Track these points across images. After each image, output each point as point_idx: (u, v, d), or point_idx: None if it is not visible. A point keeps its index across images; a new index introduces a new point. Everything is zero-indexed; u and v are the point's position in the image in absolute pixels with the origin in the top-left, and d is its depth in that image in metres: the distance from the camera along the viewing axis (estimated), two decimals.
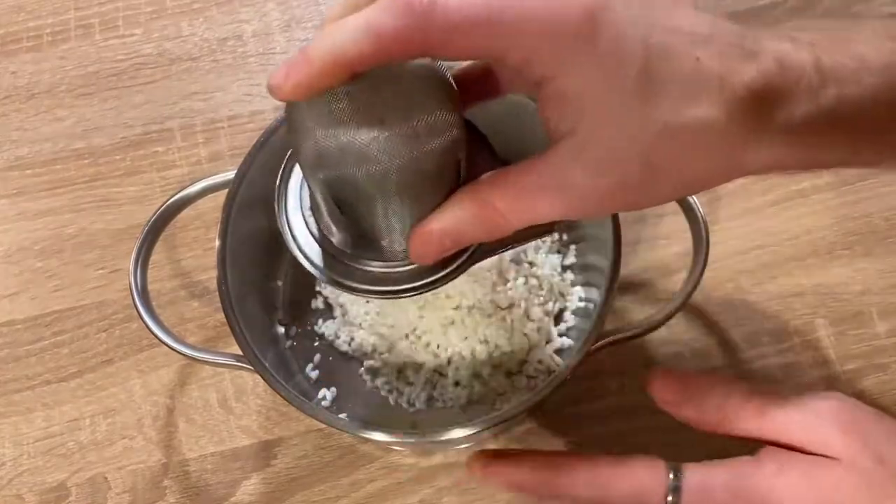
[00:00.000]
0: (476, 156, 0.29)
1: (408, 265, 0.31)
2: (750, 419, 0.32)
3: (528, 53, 0.24)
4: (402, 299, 0.31)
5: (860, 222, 0.49)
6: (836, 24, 0.27)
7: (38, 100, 0.55)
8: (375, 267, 0.31)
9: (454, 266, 0.31)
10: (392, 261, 0.31)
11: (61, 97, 0.55)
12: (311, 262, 0.32)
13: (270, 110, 0.54)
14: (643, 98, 0.24)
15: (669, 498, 0.32)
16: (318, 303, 0.47)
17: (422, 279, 0.31)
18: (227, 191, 0.41)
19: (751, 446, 0.33)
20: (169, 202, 0.42)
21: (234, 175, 0.41)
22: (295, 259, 0.32)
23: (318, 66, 0.23)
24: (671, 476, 0.32)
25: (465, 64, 0.31)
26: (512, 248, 0.31)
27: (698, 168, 0.26)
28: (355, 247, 0.31)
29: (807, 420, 0.31)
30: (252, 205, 0.42)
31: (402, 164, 0.27)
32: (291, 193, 0.33)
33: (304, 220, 0.32)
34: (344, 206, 0.29)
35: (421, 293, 0.31)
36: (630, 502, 0.32)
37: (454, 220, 0.27)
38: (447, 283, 0.31)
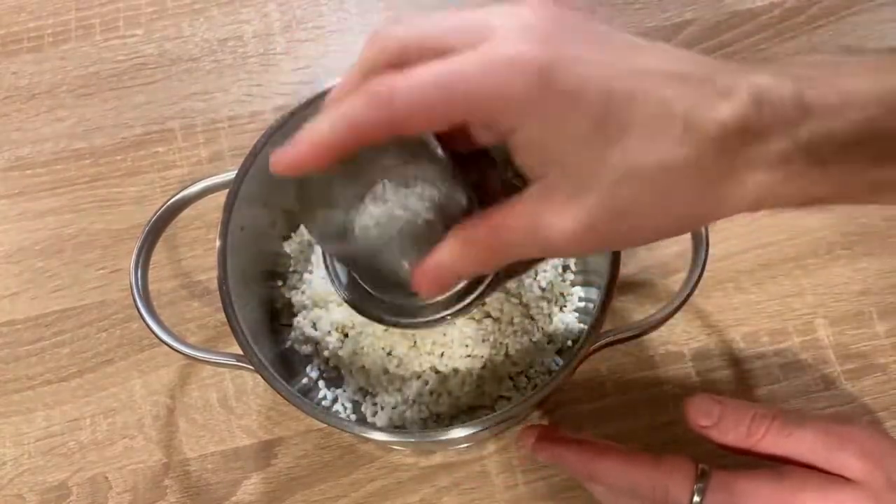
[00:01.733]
0: (486, 179, 0.32)
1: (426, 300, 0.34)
2: (777, 439, 0.34)
3: (486, 115, 0.26)
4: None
5: (860, 222, 0.49)
6: (828, 59, 0.27)
7: (38, 100, 0.55)
8: (396, 299, 0.34)
9: (467, 301, 0.34)
10: (408, 294, 0.33)
11: (62, 97, 0.55)
12: (341, 286, 0.35)
13: (270, 111, 0.54)
14: (604, 143, 0.25)
15: (696, 498, 0.34)
16: None
17: (441, 311, 0.34)
18: (227, 191, 0.41)
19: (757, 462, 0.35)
20: (169, 202, 0.42)
21: (234, 175, 0.41)
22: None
23: (303, 149, 0.26)
24: (699, 478, 0.34)
25: None
26: (518, 276, 0.34)
27: (672, 209, 0.27)
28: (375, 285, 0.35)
29: (830, 442, 0.34)
30: (253, 205, 0.42)
31: (396, 243, 0.30)
32: None
33: None
34: (350, 265, 0.34)
35: (439, 325, 0.34)
36: (657, 496, 0.35)
37: (446, 258, 0.29)
38: (461, 316, 0.34)
